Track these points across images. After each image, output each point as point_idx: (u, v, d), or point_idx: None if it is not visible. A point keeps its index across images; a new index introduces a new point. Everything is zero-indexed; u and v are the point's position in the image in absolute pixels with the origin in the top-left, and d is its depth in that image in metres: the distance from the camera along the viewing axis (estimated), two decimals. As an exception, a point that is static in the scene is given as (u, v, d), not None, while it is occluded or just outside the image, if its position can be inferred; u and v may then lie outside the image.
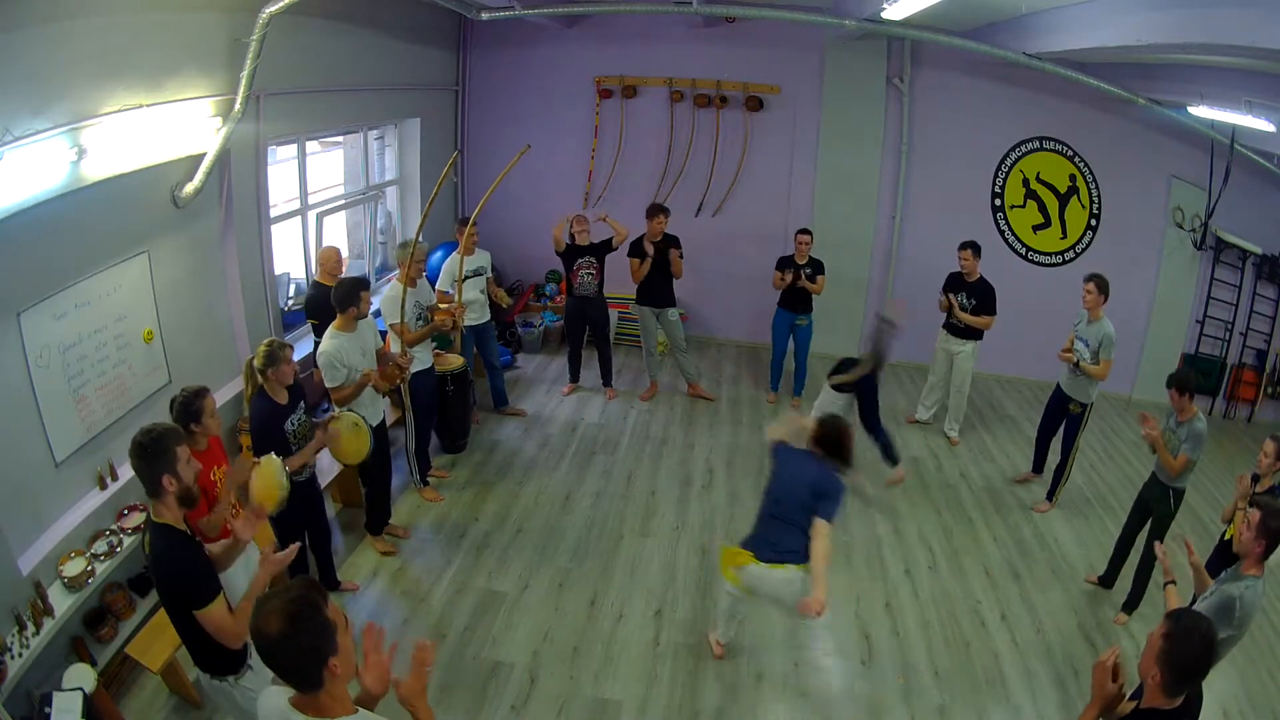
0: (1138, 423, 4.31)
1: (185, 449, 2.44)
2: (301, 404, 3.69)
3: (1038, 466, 5.72)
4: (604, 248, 6.23)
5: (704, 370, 7.36)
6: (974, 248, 5.86)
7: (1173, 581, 3.09)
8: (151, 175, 3.85)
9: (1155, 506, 4.32)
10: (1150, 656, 2.09)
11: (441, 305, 5.24)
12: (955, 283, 5.99)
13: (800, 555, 3.32)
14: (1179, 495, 4.24)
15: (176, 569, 2.37)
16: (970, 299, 5.90)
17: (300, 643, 1.65)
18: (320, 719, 1.70)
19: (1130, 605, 4.40)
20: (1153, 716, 2.10)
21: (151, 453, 2.37)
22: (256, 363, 3.48)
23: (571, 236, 6.15)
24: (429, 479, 5.23)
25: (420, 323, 4.85)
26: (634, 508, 5.19)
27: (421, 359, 4.91)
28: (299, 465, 3.58)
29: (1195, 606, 2.89)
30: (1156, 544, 3.42)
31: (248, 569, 3.14)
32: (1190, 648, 2.03)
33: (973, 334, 6.03)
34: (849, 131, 7.36)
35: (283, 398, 3.55)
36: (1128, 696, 2.28)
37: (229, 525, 2.88)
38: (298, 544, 2.74)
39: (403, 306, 4.54)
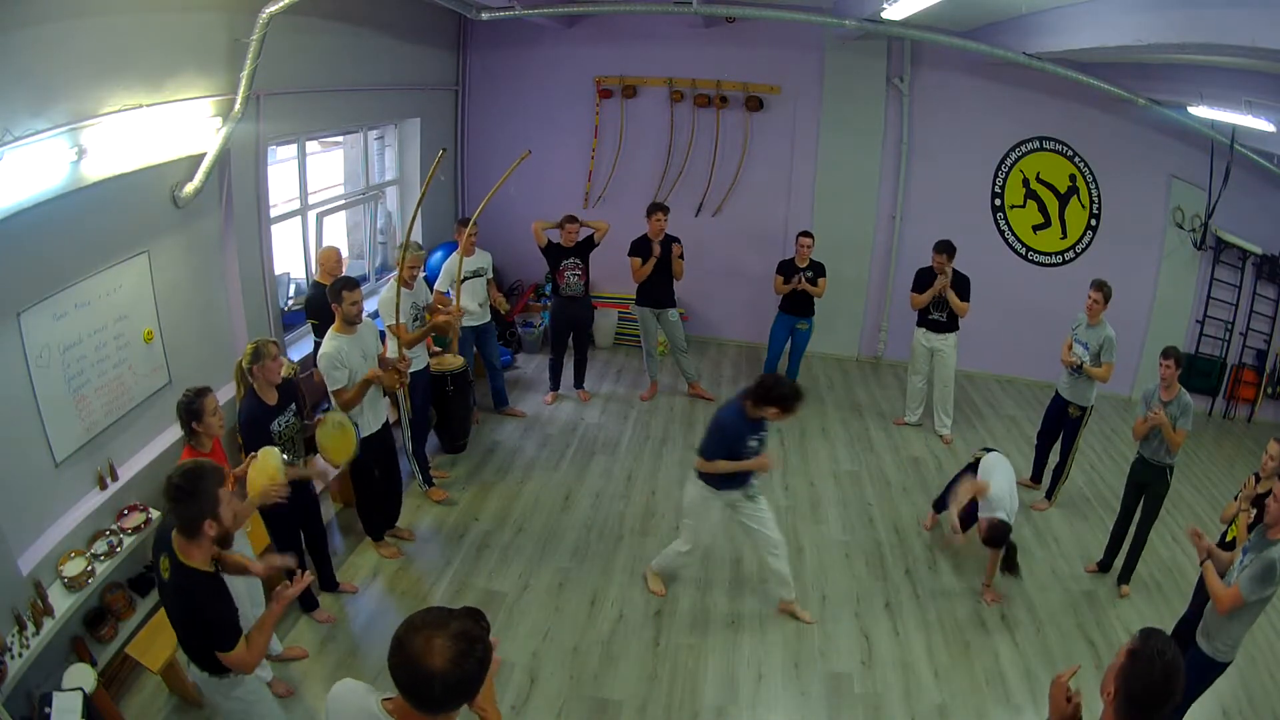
0: (1150, 414, 4.35)
1: (227, 490, 2.34)
2: (291, 406, 3.68)
3: (1036, 475, 5.70)
4: (587, 246, 6.22)
5: (704, 370, 7.36)
6: (948, 251, 5.83)
7: (1209, 557, 3.20)
8: (151, 175, 3.85)
9: (1153, 488, 4.48)
10: (1112, 670, 1.89)
11: (439, 306, 5.24)
12: (931, 278, 5.97)
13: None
14: (1172, 471, 4.46)
15: (206, 617, 2.33)
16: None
17: (459, 687, 1.52)
18: None
19: (1125, 577, 4.63)
20: None
21: (190, 494, 2.24)
22: (244, 361, 3.49)
23: (556, 237, 6.15)
24: (433, 480, 5.22)
25: (417, 324, 4.85)
26: (634, 508, 5.19)
27: (417, 359, 4.91)
28: (294, 478, 3.56)
29: (1233, 577, 3.05)
30: (1191, 530, 3.46)
31: (248, 583, 3.15)
32: (1151, 675, 1.81)
33: (951, 327, 6.04)
34: (849, 131, 7.35)
35: (271, 398, 3.55)
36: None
37: (247, 562, 2.85)
38: (311, 576, 2.69)
39: (397, 307, 4.51)
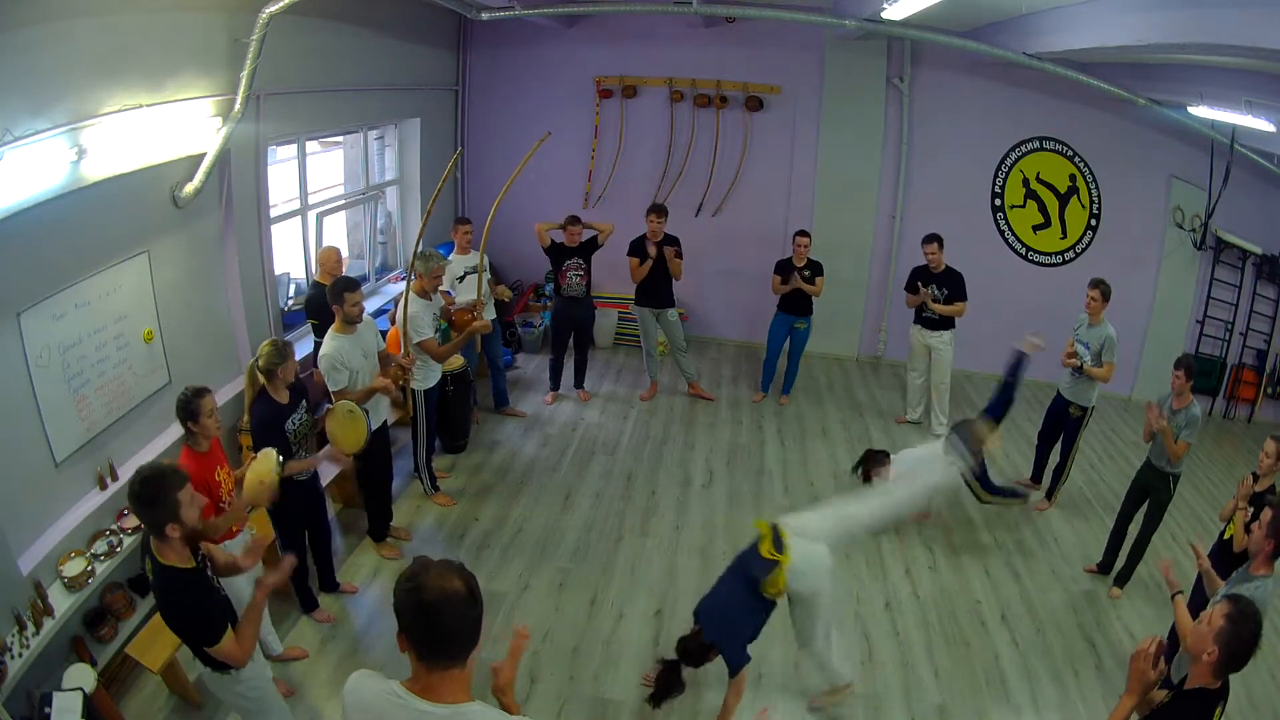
0: (1146, 412, 4.36)
1: (188, 490, 2.35)
2: (303, 403, 3.68)
3: (1037, 475, 5.70)
4: (590, 247, 6.22)
5: (703, 370, 7.36)
6: (938, 240, 5.90)
7: (1180, 592, 3.14)
8: (151, 175, 3.84)
9: (1155, 493, 4.45)
10: (1208, 635, 2.18)
11: (452, 309, 5.22)
12: (923, 275, 6.01)
13: None
14: (1176, 480, 4.41)
15: (187, 612, 2.40)
16: (941, 289, 5.92)
17: (477, 609, 1.57)
18: (438, 702, 1.59)
19: (1122, 580, 4.61)
20: (1200, 696, 2.20)
21: (150, 500, 2.28)
22: (262, 363, 3.46)
23: (560, 237, 6.15)
24: (439, 486, 5.20)
25: (439, 335, 4.84)
26: (634, 508, 5.19)
27: (435, 371, 4.89)
28: (300, 469, 3.58)
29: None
30: (1160, 562, 3.39)
31: (249, 579, 3.15)
32: (1247, 631, 2.16)
33: (947, 324, 6.04)
34: (849, 131, 7.36)
35: (284, 397, 3.54)
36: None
37: (234, 558, 2.86)
38: (294, 560, 2.73)
39: (437, 321, 4.54)
